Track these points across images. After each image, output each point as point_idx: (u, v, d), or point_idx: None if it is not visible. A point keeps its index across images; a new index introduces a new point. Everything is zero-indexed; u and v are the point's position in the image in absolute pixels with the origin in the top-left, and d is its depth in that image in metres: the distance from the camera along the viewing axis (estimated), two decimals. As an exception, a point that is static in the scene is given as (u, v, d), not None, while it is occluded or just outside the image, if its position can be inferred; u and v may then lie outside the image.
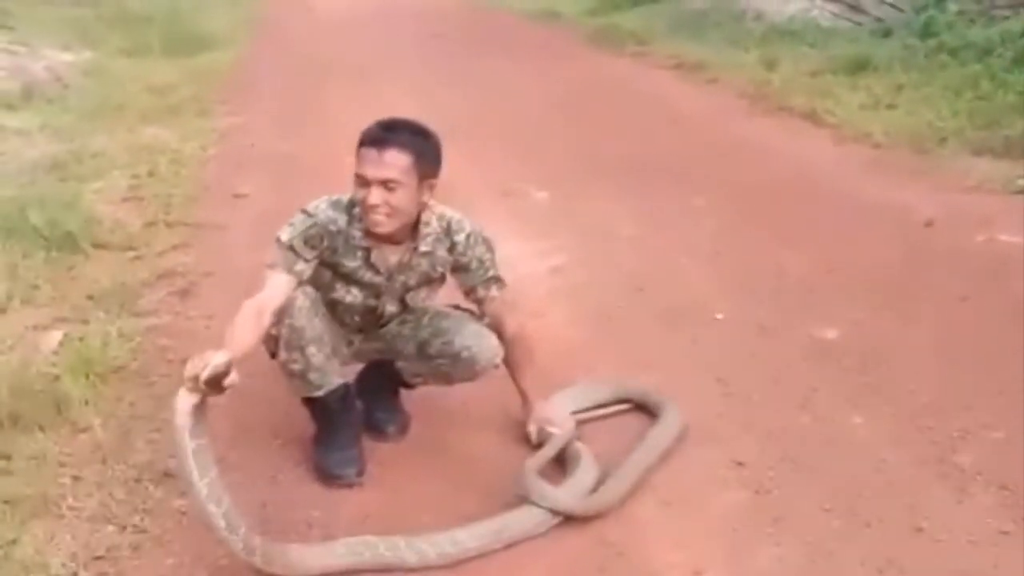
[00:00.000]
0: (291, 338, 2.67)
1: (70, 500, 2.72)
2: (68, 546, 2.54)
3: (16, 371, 3.23)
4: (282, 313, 2.64)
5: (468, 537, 2.52)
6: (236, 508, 2.36)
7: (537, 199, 5.28)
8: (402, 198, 2.61)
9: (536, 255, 4.43)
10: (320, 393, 2.77)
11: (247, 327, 2.51)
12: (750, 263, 4.30)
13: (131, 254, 4.44)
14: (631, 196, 5.25)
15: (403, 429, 3.04)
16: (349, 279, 2.77)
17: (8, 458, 2.88)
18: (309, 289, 2.70)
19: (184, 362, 2.35)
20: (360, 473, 2.81)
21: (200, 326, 3.71)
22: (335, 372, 2.79)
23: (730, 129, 6.74)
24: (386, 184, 2.58)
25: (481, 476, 2.84)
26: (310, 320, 2.67)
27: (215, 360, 2.25)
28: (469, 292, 2.87)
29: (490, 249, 2.84)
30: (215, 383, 2.25)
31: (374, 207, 2.59)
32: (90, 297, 3.97)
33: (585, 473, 2.75)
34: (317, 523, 2.65)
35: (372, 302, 2.81)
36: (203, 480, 2.30)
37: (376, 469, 2.86)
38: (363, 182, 2.60)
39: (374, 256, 2.74)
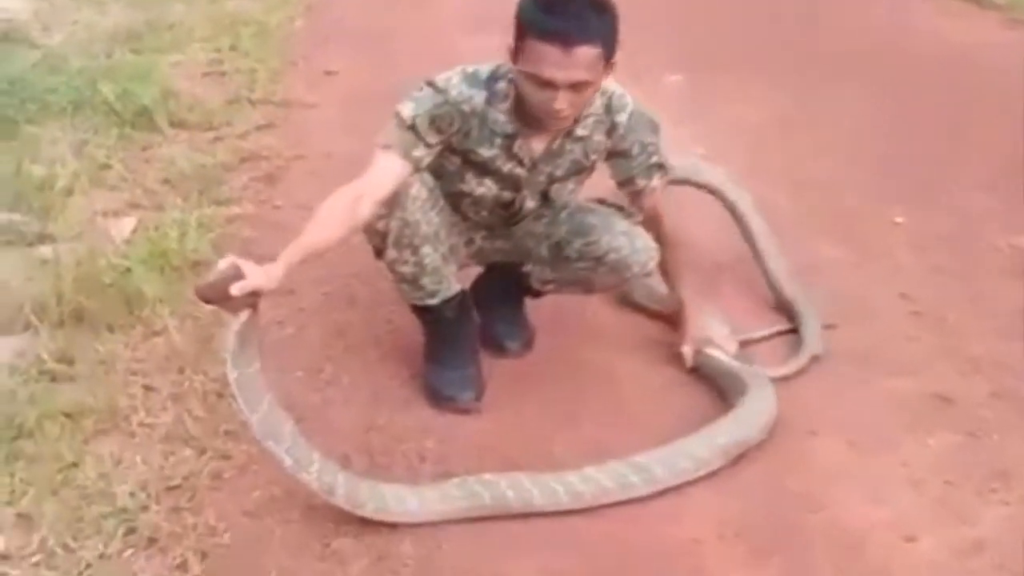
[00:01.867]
0: (402, 235, 2.18)
1: (141, 415, 2.30)
2: (138, 472, 2.13)
3: (83, 261, 2.81)
4: (393, 204, 2.14)
5: (608, 476, 2.04)
6: (304, 440, 1.94)
7: (670, 84, 4.62)
8: (589, 94, 2.10)
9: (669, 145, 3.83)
10: (434, 301, 2.30)
11: (335, 217, 2.02)
12: (922, 162, 3.66)
13: (211, 134, 3.95)
14: (780, 84, 4.55)
15: (527, 344, 2.56)
16: (483, 169, 2.25)
17: (71, 362, 2.47)
18: (427, 176, 2.21)
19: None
20: (479, 396, 2.34)
21: (289, 217, 3.22)
22: (452, 276, 2.31)
23: (891, 14, 5.94)
24: (575, 87, 2.04)
25: (622, 402, 2.37)
26: (426, 214, 2.18)
27: (216, 267, 1.85)
28: (625, 183, 2.35)
29: (654, 131, 2.31)
30: (219, 294, 1.81)
31: (559, 111, 2.07)
32: (166, 181, 3.52)
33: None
34: (431, 455, 2.20)
35: (508, 195, 2.30)
36: (254, 415, 1.89)
37: (496, 392, 2.39)
38: (545, 84, 2.04)
39: (518, 145, 2.21)
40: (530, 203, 2.32)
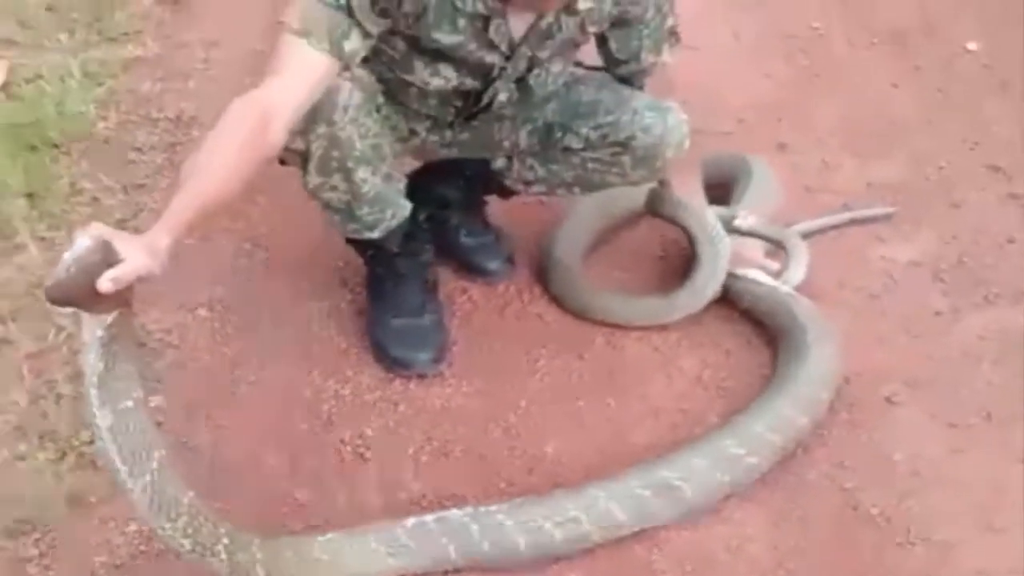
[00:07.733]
0: (329, 157, 1.52)
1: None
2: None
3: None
4: (314, 116, 1.45)
5: (623, 506, 1.48)
6: (206, 510, 1.32)
7: None
8: None
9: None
10: (375, 234, 1.66)
11: (235, 151, 1.29)
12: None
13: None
14: None
15: (510, 261, 1.94)
16: (441, 57, 1.56)
17: None
18: (361, 72, 1.53)
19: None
20: (439, 357, 1.75)
21: (195, 59, 2.50)
22: (399, 198, 1.66)
23: None
24: None
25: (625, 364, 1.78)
26: (360, 126, 1.53)
27: (74, 247, 1.13)
28: (624, 61, 1.67)
29: None
30: (81, 292, 1.13)
31: None
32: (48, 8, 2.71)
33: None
34: (375, 448, 1.62)
35: (471, 84, 1.61)
36: (136, 480, 1.23)
37: (468, 346, 1.80)
38: None
39: (494, 28, 1.51)
40: (503, 95, 1.63)
